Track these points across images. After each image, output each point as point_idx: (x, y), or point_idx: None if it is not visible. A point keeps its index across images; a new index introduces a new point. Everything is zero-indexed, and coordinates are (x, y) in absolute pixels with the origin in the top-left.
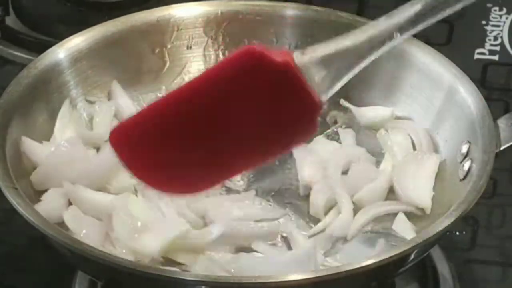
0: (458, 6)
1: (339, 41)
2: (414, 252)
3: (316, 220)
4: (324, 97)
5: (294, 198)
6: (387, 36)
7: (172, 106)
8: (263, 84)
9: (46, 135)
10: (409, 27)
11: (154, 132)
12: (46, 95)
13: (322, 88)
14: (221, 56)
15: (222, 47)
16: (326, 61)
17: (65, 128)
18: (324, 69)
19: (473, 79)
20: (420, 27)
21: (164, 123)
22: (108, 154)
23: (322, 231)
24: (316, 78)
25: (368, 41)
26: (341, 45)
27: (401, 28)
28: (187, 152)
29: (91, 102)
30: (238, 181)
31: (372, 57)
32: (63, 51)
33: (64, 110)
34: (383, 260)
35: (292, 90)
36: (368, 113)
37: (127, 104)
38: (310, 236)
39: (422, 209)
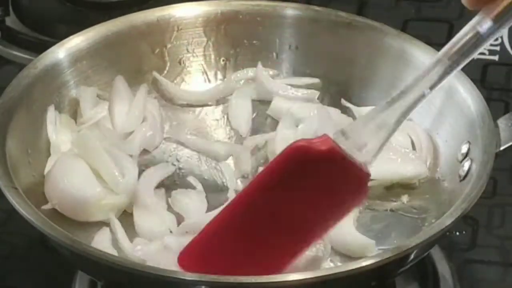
0: (477, 51)
1: (376, 112)
2: (414, 252)
3: None
4: (370, 166)
5: None
6: (420, 97)
7: (233, 220)
8: (313, 172)
9: (45, 136)
10: (438, 82)
11: (220, 244)
12: (46, 95)
13: (367, 158)
14: (220, 56)
15: (222, 47)
16: (366, 136)
17: (58, 133)
18: (365, 142)
19: (473, 79)
20: (447, 78)
21: (228, 234)
22: None
23: None
24: (359, 151)
25: (404, 106)
26: (377, 117)
27: (432, 85)
28: (252, 254)
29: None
30: None
31: (407, 116)
32: (63, 51)
33: (50, 116)
34: (383, 260)
35: (341, 171)
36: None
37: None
38: None
39: None
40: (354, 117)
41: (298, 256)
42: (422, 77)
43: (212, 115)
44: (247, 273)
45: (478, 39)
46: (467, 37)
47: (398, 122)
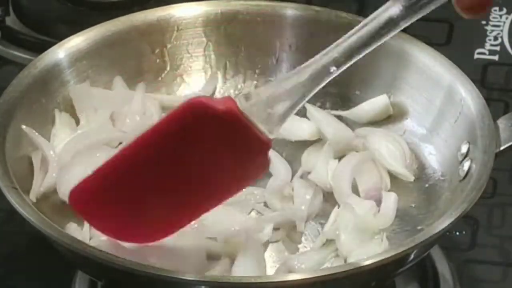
0: (390, 35)
1: (281, 82)
2: (414, 252)
3: None
4: (273, 135)
5: None
6: (325, 72)
7: (126, 162)
8: (210, 132)
9: (46, 135)
10: (345, 61)
11: (112, 187)
12: (46, 95)
13: (270, 126)
14: (221, 56)
15: (222, 47)
16: (270, 102)
17: (58, 132)
18: (269, 109)
19: (473, 79)
20: (355, 59)
21: (120, 178)
22: None
23: None
24: (262, 118)
25: (308, 79)
26: (282, 87)
27: (337, 63)
28: (144, 203)
29: None
30: None
31: (313, 92)
32: (63, 51)
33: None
34: (383, 260)
35: (239, 134)
36: (364, 108)
37: (128, 96)
38: None
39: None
40: (348, 123)
41: (191, 219)
42: (329, 50)
43: None
44: (131, 227)
45: (390, 24)
46: (380, 19)
47: (303, 96)
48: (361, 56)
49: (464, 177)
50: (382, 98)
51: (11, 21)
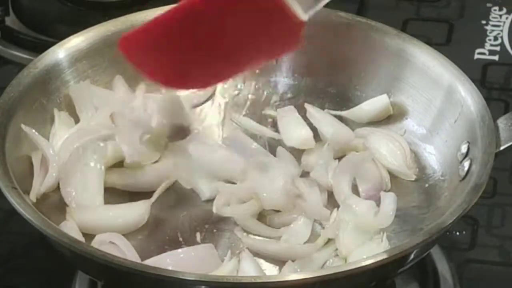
0: None
1: None
2: (414, 252)
3: None
4: (307, 16)
5: None
6: None
7: (172, 20)
8: (249, 6)
9: (45, 135)
10: None
11: (160, 38)
12: (46, 95)
13: (305, 6)
14: None
15: None
16: None
17: (57, 132)
18: None
19: (473, 79)
20: None
21: (169, 32)
22: None
23: None
24: None
25: None
26: None
27: None
28: (189, 55)
29: None
30: None
31: None
32: (63, 51)
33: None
34: (383, 260)
35: (275, 11)
36: (364, 108)
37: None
38: None
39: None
40: (348, 123)
41: (227, 77)
42: None
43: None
44: (175, 74)
45: None
46: None
47: None
48: None
49: (464, 177)
50: (382, 98)
51: (11, 21)
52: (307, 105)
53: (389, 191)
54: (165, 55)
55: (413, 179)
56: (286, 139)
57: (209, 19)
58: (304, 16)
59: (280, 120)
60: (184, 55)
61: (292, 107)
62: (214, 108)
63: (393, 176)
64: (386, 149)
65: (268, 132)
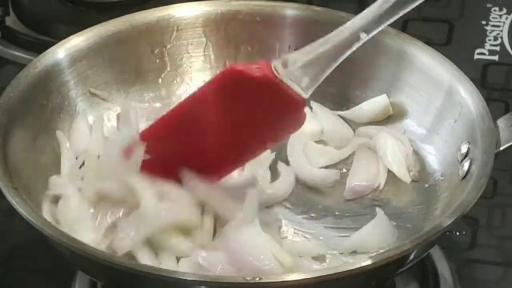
0: (416, 3)
1: (314, 47)
2: (414, 252)
3: None
4: (307, 94)
5: None
6: (355, 38)
7: (171, 120)
8: (248, 95)
9: (45, 135)
10: (374, 27)
11: (162, 139)
12: (46, 95)
13: (305, 87)
14: (220, 56)
15: (222, 47)
16: (304, 67)
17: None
18: (303, 73)
19: (473, 79)
20: (384, 25)
21: (168, 132)
22: None
23: None
24: (296, 80)
25: (339, 44)
26: (315, 52)
27: (366, 29)
28: (191, 152)
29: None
30: None
31: (345, 56)
32: (63, 51)
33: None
34: (383, 260)
35: (276, 96)
36: (364, 108)
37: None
38: None
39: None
40: (348, 123)
41: (234, 168)
42: (358, 18)
43: None
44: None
45: None
46: None
47: (333, 61)
48: (390, 22)
49: (464, 177)
50: (382, 98)
51: (11, 21)
52: (313, 103)
53: (387, 190)
54: (171, 149)
55: (408, 182)
56: None
57: (206, 116)
58: (305, 94)
59: None
60: (187, 151)
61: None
62: None
63: (393, 176)
64: (390, 148)
65: None
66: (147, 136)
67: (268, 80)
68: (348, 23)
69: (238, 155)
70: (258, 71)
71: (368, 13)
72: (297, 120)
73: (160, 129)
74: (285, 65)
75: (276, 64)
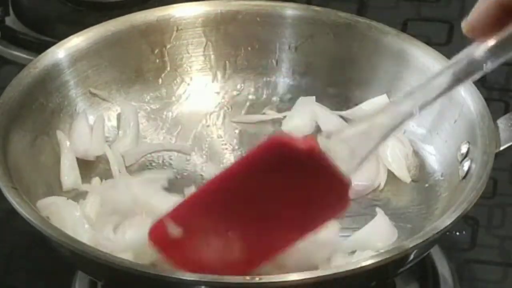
0: (476, 77)
1: (360, 123)
2: (414, 252)
3: None
4: (352, 174)
5: None
6: (408, 114)
7: (207, 199)
8: (292, 169)
9: (45, 135)
10: (430, 103)
11: (194, 223)
12: (46, 95)
13: (349, 166)
14: (220, 56)
15: (222, 47)
16: (350, 141)
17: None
18: (349, 149)
19: None
20: (439, 100)
21: (202, 215)
22: None
23: None
24: (342, 157)
25: (391, 120)
26: (363, 126)
27: (421, 106)
28: (225, 238)
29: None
30: None
31: (396, 132)
32: (62, 51)
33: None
34: (383, 260)
35: (321, 172)
36: (364, 108)
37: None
38: None
39: None
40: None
41: (271, 256)
42: (412, 93)
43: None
44: (208, 260)
45: (473, 65)
46: (464, 63)
47: (383, 137)
48: (442, 97)
49: (464, 177)
50: (382, 98)
51: (11, 21)
52: (316, 104)
53: (387, 190)
54: (197, 239)
55: (408, 182)
56: (284, 124)
57: (245, 194)
58: (349, 174)
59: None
60: (220, 236)
61: (313, 98)
62: (214, 109)
63: (393, 176)
64: (390, 148)
65: (269, 129)
66: (176, 217)
67: (314, 153)
68: (400, 97)
69: (271, 245)
70: (304, 144)
71: (421, 89)
72: (341, 202)
73: (191, 210)
74: (328, 137)
75: (320, 136)
